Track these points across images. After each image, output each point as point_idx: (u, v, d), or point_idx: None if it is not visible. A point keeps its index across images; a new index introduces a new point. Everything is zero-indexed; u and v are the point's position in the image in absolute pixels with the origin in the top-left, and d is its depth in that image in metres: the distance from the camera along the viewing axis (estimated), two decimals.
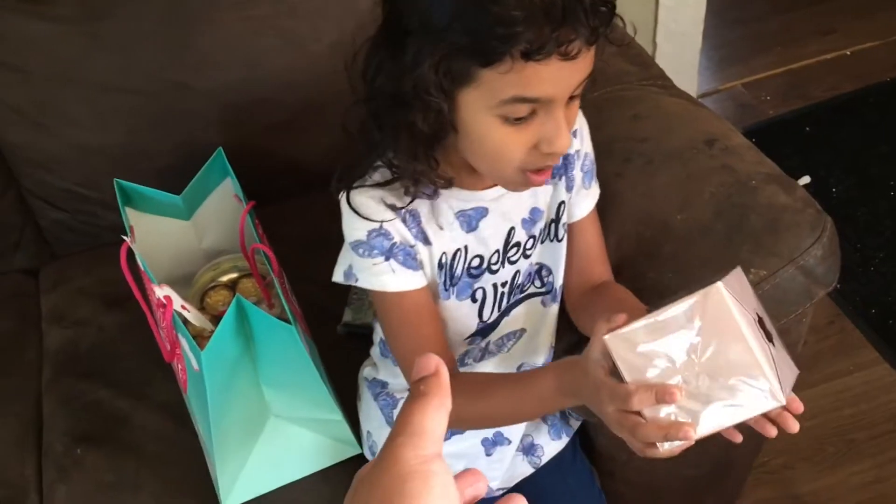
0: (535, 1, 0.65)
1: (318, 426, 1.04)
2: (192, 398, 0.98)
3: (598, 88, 0.98)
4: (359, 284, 0.83)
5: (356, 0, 1.19)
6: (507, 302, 0.91)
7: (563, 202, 0.89)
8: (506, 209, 0.86)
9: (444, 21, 0.68)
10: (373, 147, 0.80)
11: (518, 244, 0.88)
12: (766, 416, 0.67)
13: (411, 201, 0.80)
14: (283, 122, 1.30)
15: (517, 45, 0.66)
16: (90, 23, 1.20)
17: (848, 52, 2.24)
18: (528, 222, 0.88)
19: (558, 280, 0.93)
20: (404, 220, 0.81)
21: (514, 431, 0.98)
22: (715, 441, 1.11)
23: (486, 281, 0.88)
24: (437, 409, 0.40)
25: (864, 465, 1.49)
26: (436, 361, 0.41)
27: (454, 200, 0.84)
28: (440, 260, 0.84)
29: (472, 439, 0.97)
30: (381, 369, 0.98)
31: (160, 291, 0.91)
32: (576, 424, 1.06)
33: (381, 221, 0.80)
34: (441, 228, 0.83)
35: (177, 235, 1.11)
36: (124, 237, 0.95)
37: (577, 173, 0.90)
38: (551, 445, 1.02)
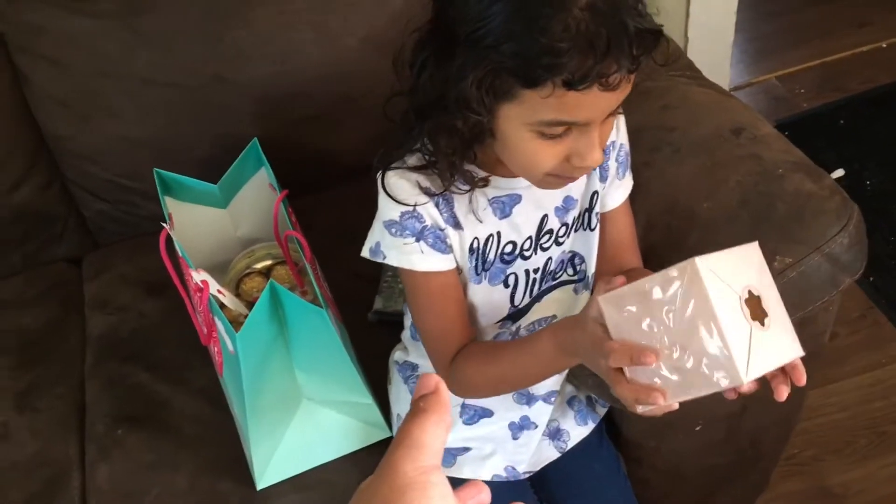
0: (581, 32, 0.67)
1: (350, 409, 1.06)
2: (228, 380, 1.01)
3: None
4: (387, 262, 0.86)
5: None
6: (539, 288, 0.93)
7: (596, 192, 0.91)
8: (539, 197, 0.87)
9: (493, 40, 0.69)
10: (412, 137, 0.83)
11: (551, 231, 0.90)
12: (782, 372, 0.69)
13: (446, 190, 0.82)
14: (316, 115, 1.32)
15: (560, 75, 0.68)
16: (131, 18, 1.23)
17: (884, 45, 2.22)
18: (561, 210, 0.90)
19: (591, 268, 0.94)
20: (437, 205, 0.84)
21: (541, 416, 1.00)
22: (740, 430, 1.13)
23: (519, 267, 0.90)
24: (436, 425, 0.41)
25: (895, 458, 1.48)
26: (436, 381, 0.43)
27: (488, 188, 0.86)
28: (471, 244, 0.86)
29: (500, 423, 0.99)
30: (412, 352, 1.01)
31: (197, 276, 0.94)
32: (602, 411, 1.07)
33: (415, 205, 0.83)
34: (474, 214, 0.85)
35: (213, 223, 1.14)
36: (163, 224, 0.99)
37: (611, 163, 0.91)
38: (577, 431, 1.04)
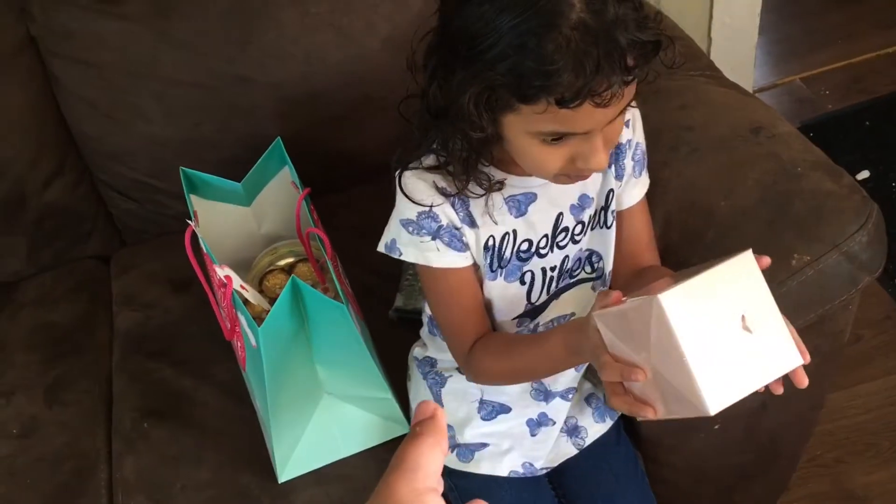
0: (571, 51, 0.68)
1: (369, 404, 1.08)
2: (251, 374, 1.03)
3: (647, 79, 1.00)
4: (403, 258, 0.88)
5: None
6: (557, 286, 0.94)
7: (611, 190, 0.92)
8: (554, 195, 0.89)
9: (490, 58, 0.71)
10: (428, 138, 0.84)
11: (566, 229, 0.91)
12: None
13: (461, 191, 0.84)
14: (339, 115, 1.34)
15: (552, 94, 0.69)
16: (158, 20, 1.26)
17: None
18: (577, 208, 0.90)
19: (608, 266, 0.95)
20: (453, 205, 0.86)
21: (559, 413, 1.01)
22: (759, 430, 1.13)
23: (535, 265, 0.91)
24: (432, 448, 0.42)
25: None
26: (433, 407, 0.44)
27: (505, 186, 0.87)
28: (486, 242, 0.88)
29: (518, 419, 1.00)
30: (430, 347, 1.02)
31: (221, 271, 0.96)
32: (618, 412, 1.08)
33: (432, 205, 0.84)
34: (490, 212, 0.87)
35: (238, 221, 1.16)
36: (189, 221, 1.01)
37: (627, 162, 0.92)
38: (595, 427, 1.05)
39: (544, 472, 1.04)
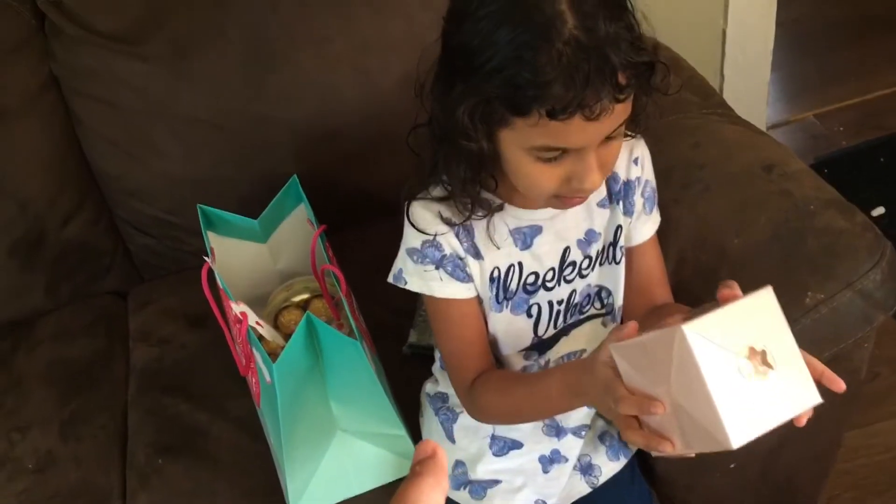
0: (563, 65, 0.69)
1: (383, 441, 1.08)
2: (265, 410, 1.04)
3: (660, 117, 1.01)
4: (408, 287, 0.89)
5: (423, 36, 1.25)
6: (565, 321, 0.94)
7: (619, 226, 0.92)
8: (560, 228, 0.89)
9: (486, 71, 0.73)
10: (435, 168, 0.86)
11: (574, 263, 0.91)
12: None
13: (468, 218, 0.85)
14: (356, 152, 1.36)
15: (544, 105, 0.71)
16: (178, 61, 1.29)
17: None
18: (584, 243, 0.91)
19: (618, 301, 0.95)
20: (457, 235, 0.87)
21: (571, 450, 1.01)
22: (775, 469, 1.12)
23: (542, 298, 0.91)
24: (433, 488, 0.43)
25: None
26: (432, 446, 0.45)
27: (510, 218, 0.88)
28: (492, 274, 0.89)
29: (530, 455, 1.00)
30: (442, 382, 1.03)
31: (237, 308, 0.97)
32: (634, 447, 1.07)
33: (435, 234, 0.86)
34: (495, 244, 0.88)
35: (254, 257, 1.18)
36: (205, 258, 1.02)
37: (637, 199, 0.93)
38: (609, 466, 1.04)
39: None
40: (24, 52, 1.30)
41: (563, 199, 0.81)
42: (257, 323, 1.00)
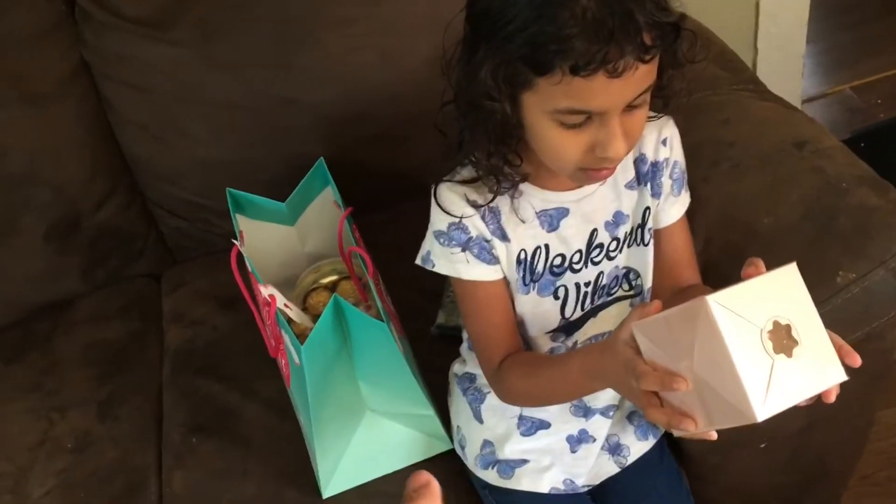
0: (587, 19, 0.69)
1: (412, 421, 1.09)
2: (295, 391, 1.05)
3: (689, 95, 1.00)
4: (435, 270, 0.90)
5: (448, 15, 1.23)
6: (592, 302, 0.94)
7: (648, 208, 0.92)
8: (587, 211, 0.89)
9: (509, 32, 0.72)
10: (462, 144, 0.85)
11: (601, 245, 0.91)
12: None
13: (493, 199, 0.85)
14: (382, 134, 1.36)
15: (567, 61, 0.70)
16: (205, 45, 1.29)
17: None
18: (612, 225, 0.91)
19: (647, 283, 0.95)
20: (483, 217, 0.87)
21: (599, 430, 1.01)
22: (806, 448, 1.11)
23: (569, 280, 0.91)
24: None
25: None
26: (427, 477, 0.46)
27: (536, 200, 0.88)
28: (518, 256, 0.89)
29: (557, 435, 1.00)
30: (469, 363, 1.03)
31: (265, 290, 0.98)
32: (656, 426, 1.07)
33: (462, 216, 0.86)
34: (521, 226, 0.88)
35: (282, 240, 1.19)
36: (234, 241, 1.03)
37: (665, 181, 0.92)
38: (637, 446, 1.04)
39: (586, 489, 1.04)
40: (56, 38, 1.31)
41: (589, 171, 0.80)
42: (286, 305, 1.02)
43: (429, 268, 0.91)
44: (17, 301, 1.41)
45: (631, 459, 1.04)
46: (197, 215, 1.43)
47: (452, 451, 1.09)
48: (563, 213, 0.89)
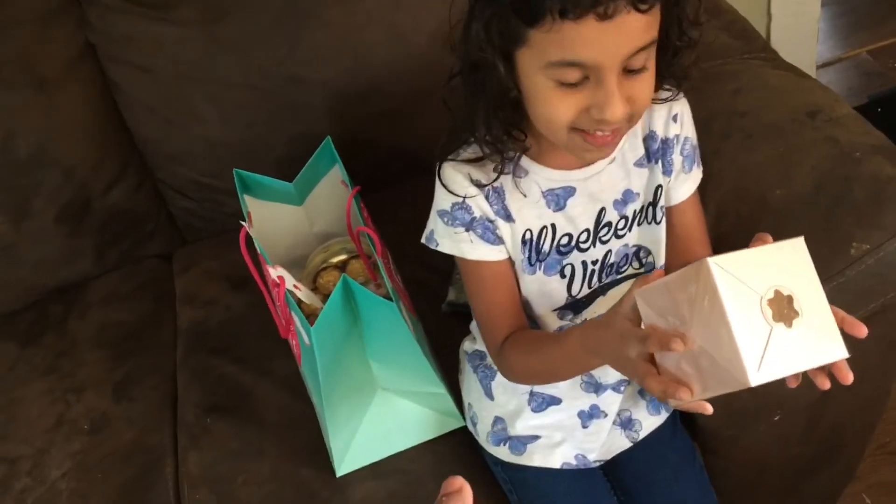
0: None
1: (423, 399, 1.09)
2: (306, 371, 1.05)
3: (700, 64, 0.98)
4: (440, 249, 0.89)
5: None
6: (600, 280, 0.93)
7: (660, 186, 0.90)
8: (594, 190, 0.88)
9: None
10: (467, 119, 0.84)
11: (609, 224, 0.90)
12: (821, 368, 0.67)
13: (497, 178, 0.84)
14: (389, 111, 1.35)
15: (555, 3, 0.68)
16: (211, 25, 1.29)
17: None
18: (620, 203, 0.90)
19: (659, 261, 0.94)
20: (487, 197, 0.86)
21: (611, 405, 1.00)
22: (821, 420, 1.10)
23: (576, 258, 0.91)
24: None
25: None
26: (460, 483, 0.47)
27: (542, 179, 0.87)
28: (524, 236, 0.88)
29: (568, 411, 1.00)
30: (479, 340, 1.03)
31: (274, 272, 0.98)
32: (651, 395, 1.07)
33: (465, 196, 0.85)
34: (527, 206, 0.87)
35: (290, 220, 1.19)
36: (242, 223, 1.03)
37: (675, 157, 0.90)
38: (649, 420, 1.04)
39: (598, 464, 1.04)
40: (61, 20, 1.31)
41: (586, 136, 0.77)
42: (295, 286, 1.01)
43: (432, 247, 0.90)
44: (31, 284, 1.42)
45: (643, 434, 1.03)
46: (206, 195, 1.43)
47: (465, 427, 1.09)
48: (570, 192, 0.88)
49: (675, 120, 0.89)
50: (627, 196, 0.89)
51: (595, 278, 0.92)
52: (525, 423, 1.00)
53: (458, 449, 1.09)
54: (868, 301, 0.94)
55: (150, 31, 1.29)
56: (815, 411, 1.09)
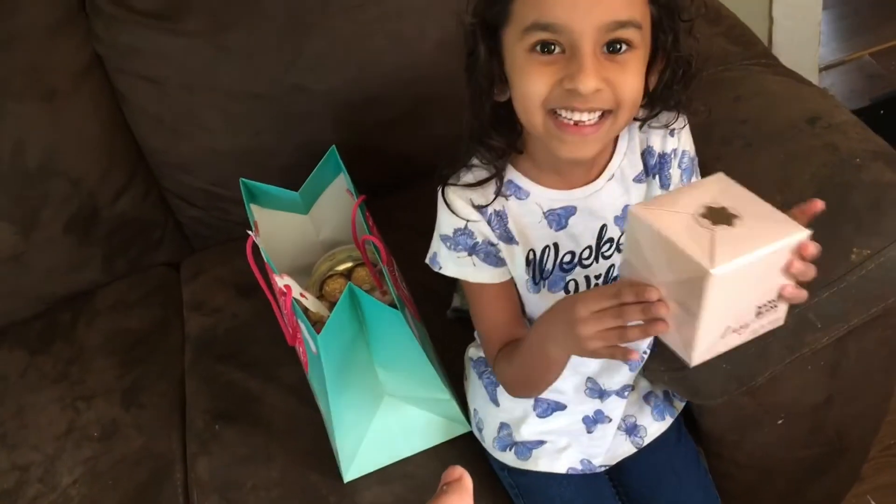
0: None
1: (430, 405, 1.10)
2: (313, 378, 1.07)
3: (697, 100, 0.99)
4: (443, 272, 0.91)
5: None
6: None
7: None
8: (595, 207, 0.89)
9: None
10: (467, 148, 0.87)
11: (611, 240, 0.91)
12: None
13: (495, 198, 0.86)
14: (394, 119, 1.36)
15: None
16: (216, 35, 1.30)
17: None
18: (621, 219, 0.91)
19: None
20: (489, 221, 0.88)
21: (615, 410, 1.01)
22: (825, 423, 1.11)
23: (579, 274, 0.92)
24: None
25: None
26: (460, 472, 0.49)
27: (544, 200, 0.88)
28: (527, 257, 0.90)
29: (573, 416, 1.01)
30: None
31: (281, 281, 0.99)
32: (680, 405, 1.08)
33: (467, 221, 0.87)
34: (529, 228, 0.88)
35: (297, 228, 1.20)
36: (249, 232, 1.04)
37: (673, 171, 0.91)
38: (654, 426, 1.05)
39: (603, 469, 1.05)
40: (68, 32, 1.32)
41: (560, 122, 0.76)
42: (301, 295, 1.03)
43: (436, 269, 0.92)
44: (41, 293, 1.44)
45: (648, 440, 1.04)
46: (213, 204, 1.44)
47: (471, 433, 1.10)
48: (571, 211, 0.89)
49: (672, 134, 0.90)
50: (627, 212, 0.90)
51: None
52: (530, 429, 1.01)
53: (464, 454, 1.10)
54: (870, 306, 0.95)
55: (156, 41, 1.31)
56: (818, 414, 1.10)
